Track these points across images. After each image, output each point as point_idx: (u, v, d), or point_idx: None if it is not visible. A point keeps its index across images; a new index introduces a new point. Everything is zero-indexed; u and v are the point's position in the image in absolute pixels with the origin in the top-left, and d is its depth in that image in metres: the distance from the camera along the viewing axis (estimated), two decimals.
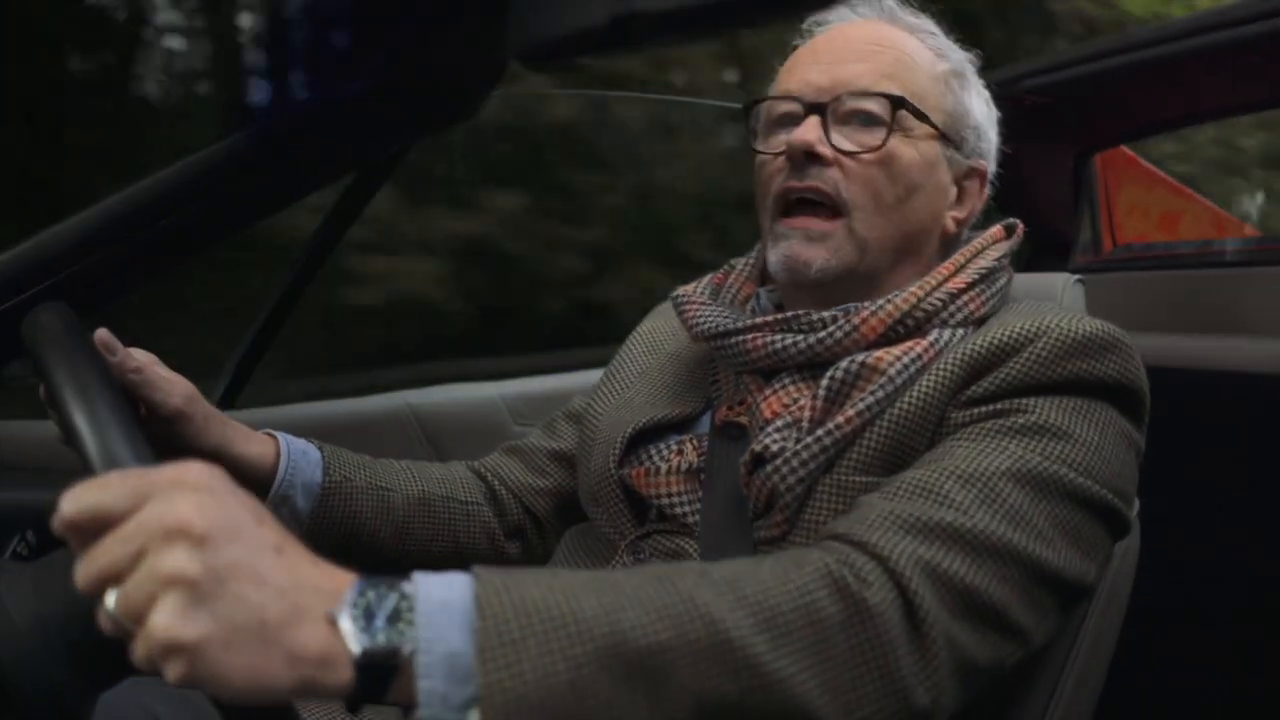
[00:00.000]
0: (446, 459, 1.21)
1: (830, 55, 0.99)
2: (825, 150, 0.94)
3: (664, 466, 0.97)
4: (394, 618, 0.53)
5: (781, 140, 0.97)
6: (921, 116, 0.97)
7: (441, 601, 0.55)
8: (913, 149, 0.96)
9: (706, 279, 1.12)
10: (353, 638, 0.52)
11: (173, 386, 0.92)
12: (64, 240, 0.99)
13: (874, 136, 0.94)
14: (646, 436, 1.02)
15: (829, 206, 0.95)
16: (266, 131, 1.05)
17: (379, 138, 1.18)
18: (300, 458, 1.01)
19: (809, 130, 0.94)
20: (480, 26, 0.96)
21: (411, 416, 1.71)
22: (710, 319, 1.00)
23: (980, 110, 1.04)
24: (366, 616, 0.52)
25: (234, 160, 1.04)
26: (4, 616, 0.63)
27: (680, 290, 1.09)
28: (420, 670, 0.52)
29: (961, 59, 1.03)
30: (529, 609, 0.56)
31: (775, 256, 0.97)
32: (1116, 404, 0.87)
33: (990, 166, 1.06)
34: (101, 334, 0.88)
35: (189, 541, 0.50)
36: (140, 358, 0.91)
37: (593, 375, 1.47)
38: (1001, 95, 1.66)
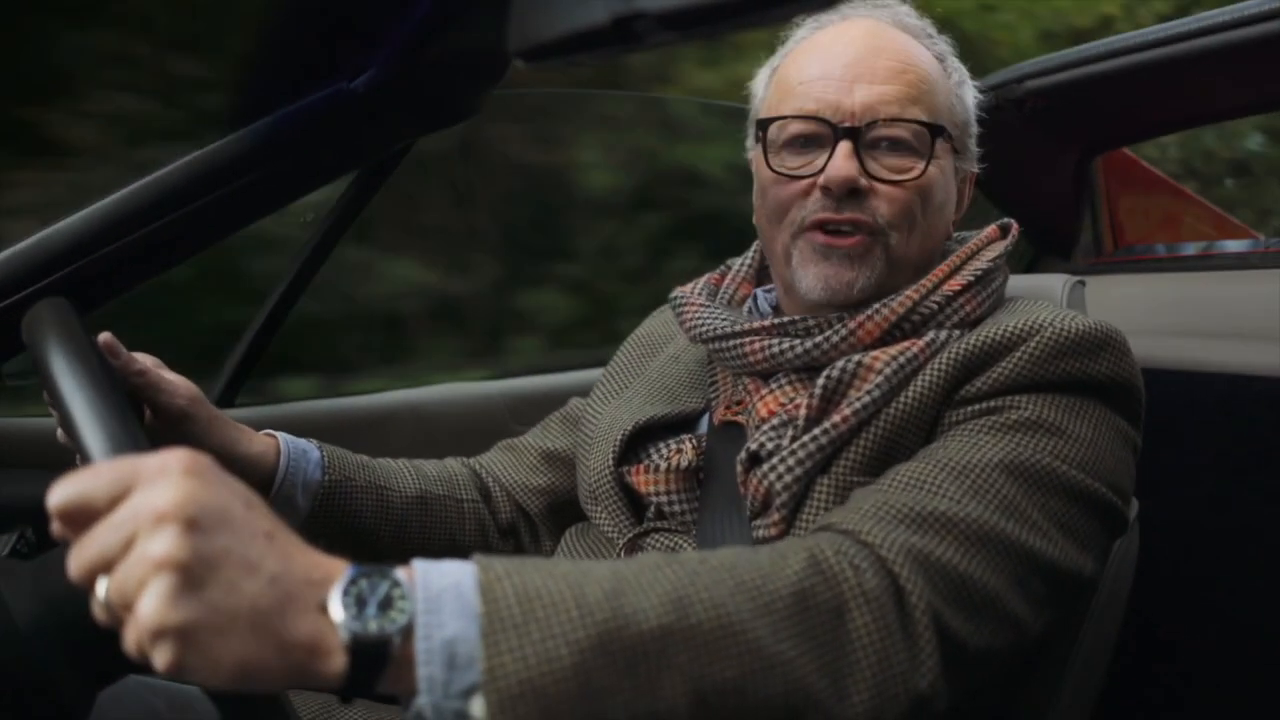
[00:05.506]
0: (445, 458, 1.21)
1: (851, 72, 0.94)
2: (865, 183, 0.92)
3: (663, 465, 0.97)
4: (385, 604, 0.53)
5: (809, 163, 0.94)
6: (949, 140, 0.96)
7: (441, 589, 0.55)
8: (938, 169, 0.95)
9: (703, 279, 1.12)
10: (343, 625, 0.51)
11: (177, 388, 0.93)
12: (65, 238, 0.99)
13: (907, 162, 0.93)
14: (646, 435, 1.02)
15: (866, 230, 0.93)
16: (267, 130, 1.05)
17: (379, 138, 1.18)
18: (300, 457, 1.01)
19: (848, 163, 0.91)
20: (481, 26, 0.96)
21: (411, 415, 1.71)
22: (708, 321, 1.00)
23: (974, 112, 1.03)
24: (358, 604, 0.52)
25: (235, 159, 1.04)
26: (3, 614, 0.63)
27: (678, 290, 1.09)
28: (420, 657, 0.52)
29: (956, 61, 1.02)
30: (531, 594, 0.56)
31: (811, 275, 0.94)
32: (1110, 402, 0.87)
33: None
34: (105, 338, 0.88)
35: (178, 526, 0.49)
36: (144, 361, 0.92)
37: (592, 374, 1.48)
38: (1003, 97, 1.65)
